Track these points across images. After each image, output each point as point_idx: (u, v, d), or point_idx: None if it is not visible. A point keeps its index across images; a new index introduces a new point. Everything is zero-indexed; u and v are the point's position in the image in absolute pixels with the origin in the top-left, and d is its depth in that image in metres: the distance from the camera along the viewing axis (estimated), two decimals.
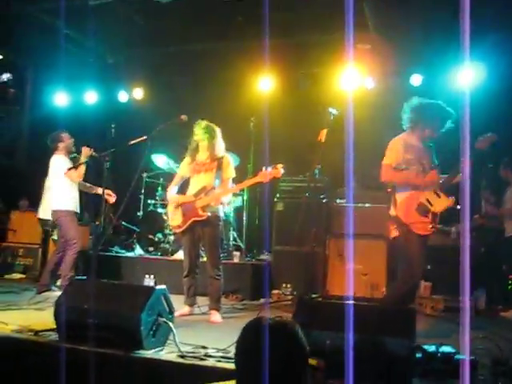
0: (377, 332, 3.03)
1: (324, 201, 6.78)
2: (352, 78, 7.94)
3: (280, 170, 5.00)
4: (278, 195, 7.09)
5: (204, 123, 5.25)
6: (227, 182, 5.22)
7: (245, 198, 7.74)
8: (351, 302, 3.21)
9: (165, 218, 7.64)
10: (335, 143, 4.90)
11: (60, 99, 10.12)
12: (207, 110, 6.45)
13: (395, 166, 4.47)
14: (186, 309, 5.18)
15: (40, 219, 7.40)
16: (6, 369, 3.67)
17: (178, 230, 5.38)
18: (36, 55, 9.85)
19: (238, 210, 7.81)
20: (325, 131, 5.04)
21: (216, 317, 5.00)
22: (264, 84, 8.59)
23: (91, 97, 9.96)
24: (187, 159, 5.39)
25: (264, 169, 5.03)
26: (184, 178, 5.44)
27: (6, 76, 11.23)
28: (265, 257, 7.40)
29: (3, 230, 8.65)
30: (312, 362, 1.94)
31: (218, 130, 5.29)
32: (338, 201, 6.73)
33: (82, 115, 9.73)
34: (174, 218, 5.30)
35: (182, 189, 5.51)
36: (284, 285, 6.62)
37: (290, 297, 6.41)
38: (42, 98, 10.36)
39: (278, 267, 6.87)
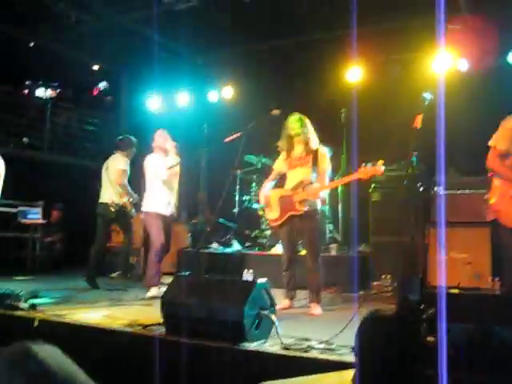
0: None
1: (421, 189, 6.60)
2: (444, 61, 7.67)
3: (381, 167, 4.91)
4: (373, 185, 6.99)
5: (297, 116, 5.24)
6: (324, 174, 5.17)
7: (339, 189, 7.68)
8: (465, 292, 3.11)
9: (260, 213, 7.74)
10: (431, 129, 4.75)
11: (153, 103, 10.52)
12: (297, 104, 6.46)
13: (504, 151, 4.22)
14: (287, 302, 5.21)
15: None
16: (118, 361, 3.88)
17: (274, 224, 5.41)
18: (129, 63, 10.28)
19: (333, 203, 7.75)
20: (420, 117, 4.89)
21: (316, 309, 5.01)
22: (353, 74, 8.48)
23: (183, 99, 10.27)
24: (283, 154, 5.40)
25: (364, 165, 4.95)
26: (280, 173, 5.45)
27: (102, 85, 11.80)
28: (362, 248, 7.32)
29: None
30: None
31: (309, 123, 5.26)
32: (436, 188, 6.53)
33: (175, 117, 10.07)
34: (271, 212, 5.35)
35: (279, 184, 5.54)
36: (383, 276, 6.52)
37: (389, 288, 6.31)
38: (136, 104, 10.81)
39: (377, 258, 6.78)
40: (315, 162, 5.15)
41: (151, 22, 8.60)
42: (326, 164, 5.19)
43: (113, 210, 6.80)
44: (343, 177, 5.38)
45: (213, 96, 10.08)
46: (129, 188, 6.90)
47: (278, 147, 5.44)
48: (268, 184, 5.50)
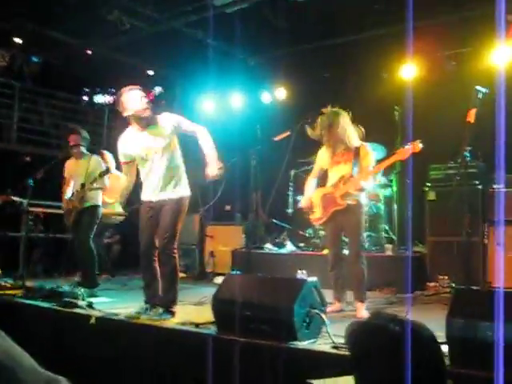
0: None
1: (479, 187, 6.42)
2: (504, 54, 7.41)
3: (419, 144, 4.74)
4: (428, 184, 6.84)
5: (333, 111, 5.11)
6: (366, 169, 5.03)
7: (394, 189, 7.55)
8: None
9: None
10: (486, 124, 4.61)
11: (207, 106, 10.65)
12: (350, 103, 6.38)
13: None
14: (336, 304, 5.12)
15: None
16: (170, 359, 3.95)
17: (318, 222, 5.37)
18: (182, 66, 10.45)
19: (388, 202, 7.64)
20: (473, 111, 4.74)
21: (362, 312, 4.82)
22: (407, 71, 8.32)
23: (236, 100, 10.35)
24: (323, 150, 5.28)
25: (403, 146, 4.84)
26: (323, 169, 5.33)
27: (158, 90, 12.03)
28: (418, 248, 7.17)
29: None
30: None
31: (347, 118, 5.08)
32: (494, 186, 6.32)
33: (228, 119, 10.16)
34: (315, 212, 5.28)
35: (321, 181, 5.46)
36: (440, 276, 6.36)
37: (447, 289, 6.15)
38: (190, 107, 10.97)
39: (433, 258, 6.63)
40: (357, 158, 5.02)
41: (203, 26, 8.73)
42: (369, 160, 5.03)
43: None
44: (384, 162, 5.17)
45: (266, 97, 10.11)
46: None
47: (321, 142, 5.32)
48: (312, 181, 5.39)
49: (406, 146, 4.77)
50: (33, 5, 9.08)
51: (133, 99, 4.80)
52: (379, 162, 5.24)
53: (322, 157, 5.30)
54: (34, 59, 11.69)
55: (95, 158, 6.58)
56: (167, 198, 4.74)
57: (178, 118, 4.96)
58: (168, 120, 4.89)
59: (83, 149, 6.60)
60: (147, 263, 4.77)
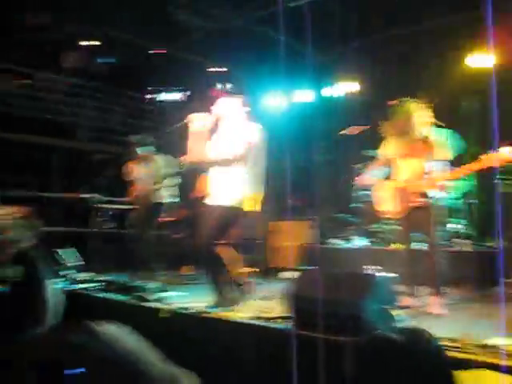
0: None
1: None
2: None
3: (508, 153, 4.41)
4: (506, 177, 6.53)
5: (405, 102, 4.94)
6: (442, 164, 4.85)
7: (473, 182, 7.27)
8: None
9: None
10: None
11: (274, 102, 10.63)
12: (423, 94, 6.18)
13: None
14: (408, 299, 4.93)
15: None
16: (245, 355, 3.94)
17: (390, 216, 5.23)
18: (249, 63, 10.47)
19: (466, 196, 7.37)
20: None
21: (436, 308, 4.64)
22: (483, 60, 7.95)
23: (303, 96, 10.28)
24: (392, 142, 5.11)
25: (490, 152, 4.60)
26: (389, 160, 5.15)
27: (225, 87, 12.14)
28: (497, 244, 6.88)
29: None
30: None
31: (423, 109, 4.90)
32: None
33: (296, 115, 10.10)
34: (385, 203, 5.13)
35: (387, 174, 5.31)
36: None
37: None
38: (257, 103, 10.99)
39: None
40: (431, 151, 4.82)
41: (270, 22, 8.70)
42: (443, 153, 4.81)
43: None
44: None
45: (334, 91, 9.99)
46: None
47: (387, 133, 5.16)
48: (376, 171, 5.25)
49: (496, 153, 4.51)
50: (101, 8, 9.32)
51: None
52: (463, 165, 5.01)
53: (389, 149, 5.15)
54: (103, 60, 12.05)
55: (161, 158, 7.14)
56: None
57: None
58: None
59: (149, 151, 7.10)
60: None
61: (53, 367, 0.82)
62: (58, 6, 9.42)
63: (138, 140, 7.21)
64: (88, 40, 11.37)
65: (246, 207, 5.13)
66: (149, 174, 7.08)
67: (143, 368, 0.82)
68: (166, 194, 7.30)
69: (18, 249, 4.70)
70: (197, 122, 4.98)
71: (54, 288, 4.70)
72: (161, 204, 7.15)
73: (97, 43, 11.42)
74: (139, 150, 7.13)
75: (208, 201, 4.93)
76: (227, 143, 4.89)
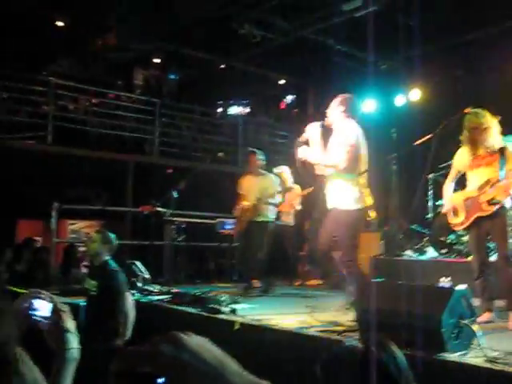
0: None
1: None
2: None
3: None
4: None
5: (479, 111, 4.85)
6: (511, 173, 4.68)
7: None
8: None
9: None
10: None
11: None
12: (490, 102, 6.02)
13: None
14: (485, 314, 4.75)
15: None
16: (312, 365, 3.93)
17: (460, 228, 5.13)
18: (313, 74, 10.50)
19: None
20: None
21: None
22: None
23: (369, 105, 10.20)
24: (463, 152, 5.01)
25: None
26: (461, 172, 5.06)
27: (290, 98, 12.23)
28: None
29: (300, 240, 9.35)
30: None
31: (493, 119, 4.81)
32: None
33: (362, 124, 10.01)
34: (456, 216, 5.01)
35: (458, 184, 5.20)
36: None
37: None
38: (322, 114, 10.97)
39: None
40: (503, 160, 4.70)
41: (332, 32, 8.72)
42: None
43: None
44: None
45: (400, 100, 9.88)
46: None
47: (460, 142, 5.07)
48: (450, 185, 5.14)
49: None
50: (169, 25, 9.60)
51: None
52: None
53: (461, 159, 5.06)
54: (172, 76, 12.39)
55: (271, 176, 7.36)
56: None
57: None
58: None
59: (260, 168, 7.30)
60: None
61: (145, 378, 0.87)
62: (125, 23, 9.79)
63: (260, 157, 7.35)
64: (157, 58, 11.73)
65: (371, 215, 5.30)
66: (259, 189, 7.18)
67: (228, 377, 0.86)
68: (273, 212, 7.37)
69: (98, 262, 4.93)
70: (308, 130, 5.13)
71: (132, 300, 4.89)
72: (268, 222, 7.19)
73: (165, 60, 11.77)
74: (260, 167, 7.30)
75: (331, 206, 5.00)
76: (335, 148, 4.97)
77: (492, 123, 4.82)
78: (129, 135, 10.92)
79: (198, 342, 0.90)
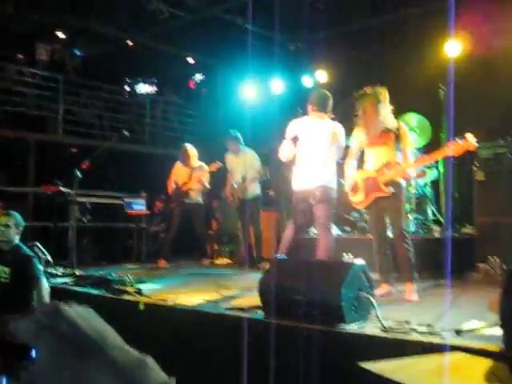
0: None
1: None
2: None
3: (472, 141, 4.52)
4: (477, 164, 6.65)
5: (370, 90, 4.98)
6: (406, 152, 4.94)
7: (441, 170, 7.38)
8: None
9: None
10: None
11: (248, 92, 10.62)
12: (393, 83, 6.24)
13: None
14: (384, 287, 5.02)
15: None
16: (217, 344, 3.97)
17: (360, 206, 5.36)
18: (222, 53, 10.45)
19: (435, 183, 7.48)
20: None
21: (412, 295, 4.74)
22: (452, 48, 8.04)
23: (277, 86, 10.30)
24: (359, 131, 5.17)
25: (453, 141, 4.67)
26: (360, 150, 5.24)
27: (198, 77, 12.11)
28: (467, 230, 7.01)
29: (208, 219, 9.41)
30: None
31: (383, 97, 4.94)
32: None
33: (270, 105, 10.12)
34: (355, 195, 5.20)
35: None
36: (490, 258, 6.20)
37: (498, 270, 6.00)
38: (231, 93, 10.98)
39: (483, 240, 6.45)
40: (397, 140, 4.92)
41: (242, 12, 8.68)
42: (407, 141, 4.97)
43: None
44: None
45: (307, 81, 10.05)
46: None
47: (354, 123, 5.22)
48: (351, 163, 5.30)
49: (460, 142, 4.57)
50: None
51: None
52: (429, 152, 5.09)
53: (359, 138, 5.20)
54: (77, 52, 11.90)
55: (252, 152, 7.84)
56: None
57: None
58: None
59: (240, 146, 7.78)
60: None
61: (20, 348, 0.82)
62: None
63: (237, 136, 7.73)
64: (61, 32, 11.20)
65: None
66: (243, 167, 7.74)
67: (107, 350, 0.83)
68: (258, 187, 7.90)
69: (9, 247, 4.54)
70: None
71: (48, 287, 4.64)
72: (258, 196, 7.84)
73: (69, 35, 11.28)
74: (239, 145, 7.73)
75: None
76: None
77: (386, 102, 4.98)
78: (30, 113, 10.39)
79: (79, 313, 0.86)
